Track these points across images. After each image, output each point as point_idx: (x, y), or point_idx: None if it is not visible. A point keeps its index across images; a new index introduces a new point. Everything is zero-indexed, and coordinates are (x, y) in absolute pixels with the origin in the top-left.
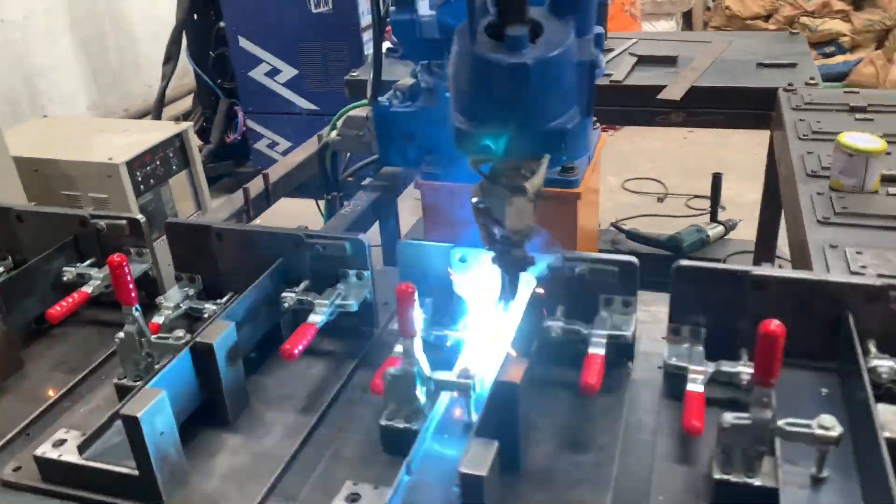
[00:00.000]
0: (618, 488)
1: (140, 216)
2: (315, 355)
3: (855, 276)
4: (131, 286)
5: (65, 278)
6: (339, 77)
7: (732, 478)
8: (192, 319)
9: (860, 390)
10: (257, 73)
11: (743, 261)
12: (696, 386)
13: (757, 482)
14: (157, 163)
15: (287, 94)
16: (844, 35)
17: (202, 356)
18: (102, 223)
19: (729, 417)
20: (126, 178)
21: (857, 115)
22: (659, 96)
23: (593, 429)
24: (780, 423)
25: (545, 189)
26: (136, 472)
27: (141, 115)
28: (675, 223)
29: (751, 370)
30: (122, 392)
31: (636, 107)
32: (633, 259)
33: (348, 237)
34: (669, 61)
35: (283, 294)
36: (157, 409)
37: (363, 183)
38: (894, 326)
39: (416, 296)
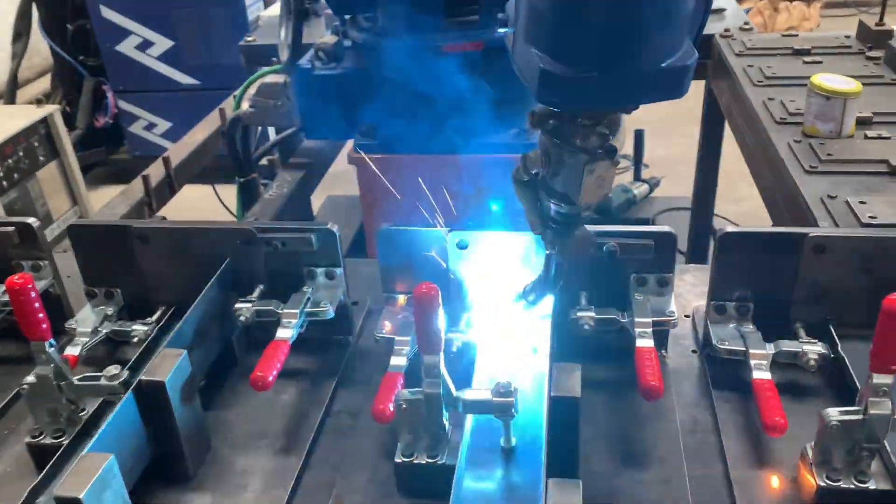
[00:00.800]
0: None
1: (33, 220)
2: (283, 377)
3: None
4: (41, 315)
5: None
6: (222, 46)
7: (842, 484)
8: (114, 346)
9: None
10: (126, 47)
11: (672, 219)
12: (762, 373)
13: (872, 486)
14: (21, 154)
15: (163, 68)
16: None
17: (151, 398)
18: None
19: (834, 413)
20: None
21: (805, 59)
22: None
23: (648, 436)
24: None
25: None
26: None
27: None
28: None
29: (817, 348)
30: (39, 453)
31: None
32: (671, 230)
33: (315, 227)
34: None
35: (237, 305)
36: (105, 481)
37: (270, 160)
38: None
39: (440, 299)
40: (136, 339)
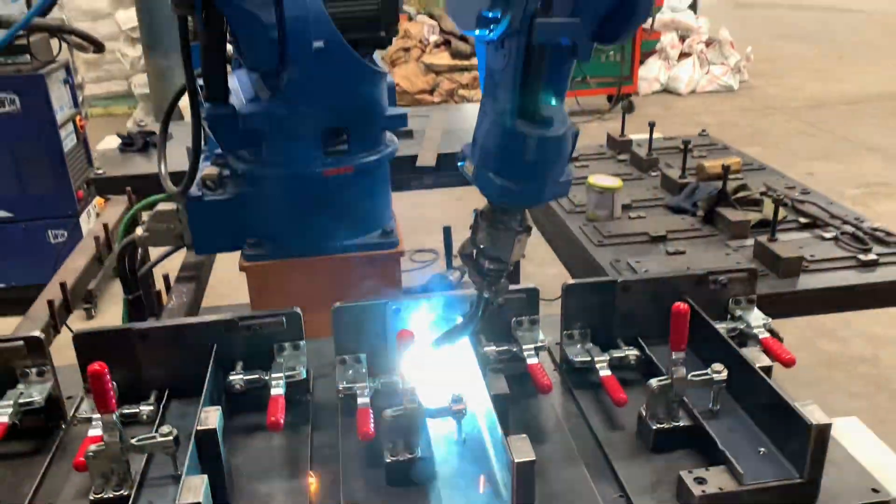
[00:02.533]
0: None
1: (39, 333)
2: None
3: (686, 271)
4: (111, 392)
5: None
6: (35, 177)
7: (665, 425)
8: (127, 425)
9: (721, 342)
10: None
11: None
12: (605, 371)
13: (682, 423)
14: None
15: None
16: None
17: (206, 443)
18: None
19: (654, 382)
20: None
21: (577, 164)
22: (417, 164)
23: (543, 421)
24: (689, 376)
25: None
26: None
27: None
28: (408, 277)
29: (634, 352)
30: None
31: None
32: (536, 287)
33: (284, 312)
34: (409, 135)
35: (230, 378)
36: (207, 494)
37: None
38: (716, 300)
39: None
40: (145, 417)
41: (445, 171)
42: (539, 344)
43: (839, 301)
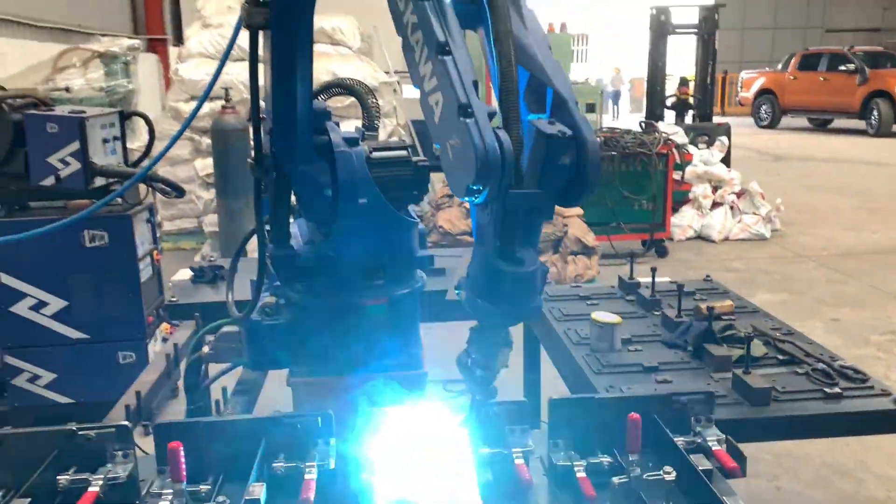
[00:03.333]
0: None
1: (127, 422)
2: None
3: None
4: (183, 466)
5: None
6: (113, 304)
7: None
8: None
9: (675, 450)
10: (21, 308)
11: None
12: (581, 473)
13: None
14: None
15: (55, 325)
16: None
17: None
18: (92, 433)
19: (615, 479)
20: None
21: (588, 302)
22: (447, 298)
23: None
24: (644, 475)
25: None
26: None
27: None
28: None
29: (607, 459)
30: None
31: (424, 307)
32: (525, 400)
33: (320, 414)
34: (440, 272)
35: (274, 464)
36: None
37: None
38: (680, 419)
39: None
40: (203, 494)
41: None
42: (526, 448)
43: (803, 428)
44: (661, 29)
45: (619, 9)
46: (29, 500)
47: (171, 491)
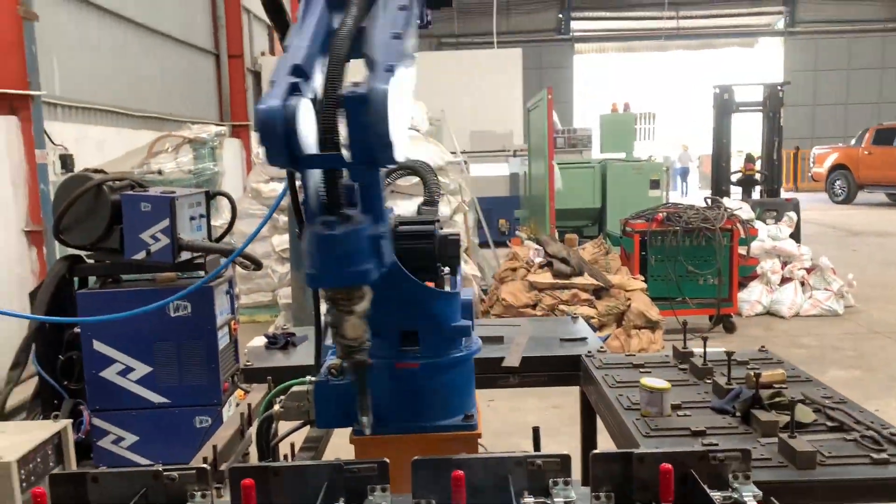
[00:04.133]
0: None
1: (206, 466)
2: None
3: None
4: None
5: None
6: (192, 370)
7: None
8: None
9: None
10: (109, 373)
11: None
12: None
13: None
14: (38, 460)
15: (139, 390)
16: (593, 317)
17: None
18: (175, 474)
19: None
20: (15, 477)
21: (641, 370)
22: (503, 364)
23: None
24: None
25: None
26: None
27: None
28: None
29: None
30: None
31: (480, 374)
32: (568, 454)
33: (376, 462)
34: (499, 340)
35: None
36: None
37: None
38: (716, 471)
39: None
40: None
41: (529, 374)
42: (569, 499)
43: (847, 493)
44: (724, 107)
45: (685, 87)
46: None
47: None
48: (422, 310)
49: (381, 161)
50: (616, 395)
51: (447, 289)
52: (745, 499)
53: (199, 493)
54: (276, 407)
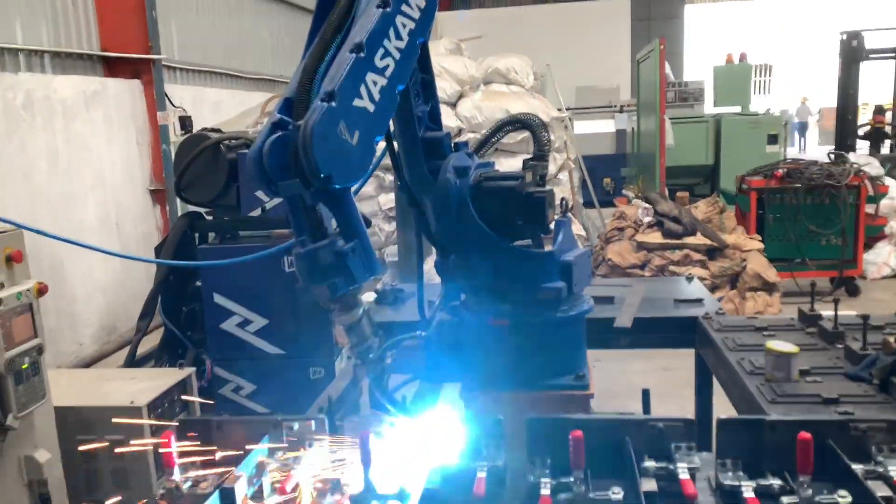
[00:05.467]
0: None
1: (322, 416)
2: None
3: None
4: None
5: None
6: (307, 323)
7: None
8: None
9: (850, 474)
10: (229, 325)
11: None
12: (750, 493)
13: None
14: (167, 405)
15: (256, 341)
16: (705, 279)
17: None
18: (294, 424)
19: (785, 500)
20: (146, 420)
21: (764, 333)
22: (615, 325)
23: None
24: (816, 497)
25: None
26: None
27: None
28: None
29: (777, 481)
30: None
31: (591, 334)
32: (692, 418)
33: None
34: (609, 300)
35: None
36: None
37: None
38: (857, 442)
39: None
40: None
41: (640, 334)
42: (692, 466)
43: None
44: (852, 55)
45: (806, 36)
46: (244, 474)
47: None
48: (509, 269)
49: (320, 186)
50: (737, 358)
51: (546, 248)
52: (892, 472)
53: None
54: (389, 360)
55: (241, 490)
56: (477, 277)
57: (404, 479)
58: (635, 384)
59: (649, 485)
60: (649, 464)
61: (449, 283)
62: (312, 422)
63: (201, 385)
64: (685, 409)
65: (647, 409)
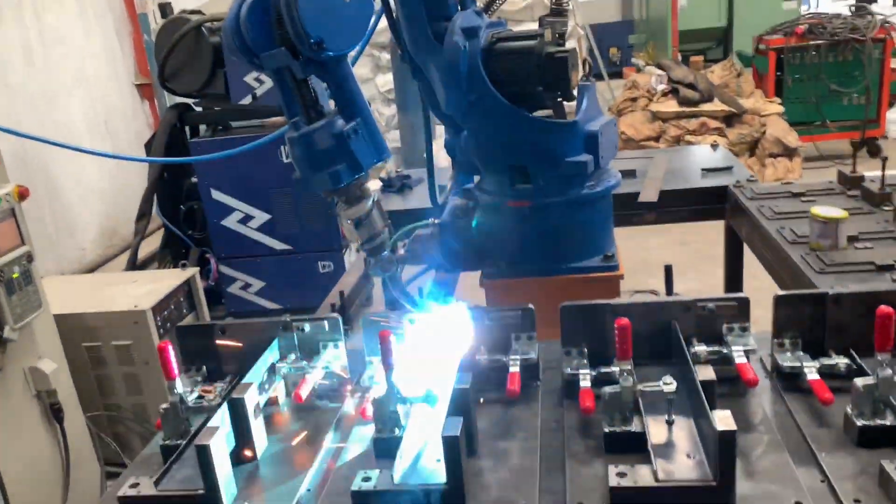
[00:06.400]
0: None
1: (335, 315)
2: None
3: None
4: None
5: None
6: (311, 216)
7: (870, 422)
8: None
9: None
10: (230, 222)
11: None
12: (814, 374)
13: (888, 422)
14: (172, 307)
15: (260, 237)
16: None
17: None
18: (306, 325)
19: (858, 381)
20: (151, 324)
21: (802, 199)
22: (639, 200)
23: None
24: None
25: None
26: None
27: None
28: None
29: (845, 361)
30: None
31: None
32: (746, 296)
33: (521, 308)
34: (631, 174)
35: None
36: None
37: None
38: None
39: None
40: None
41: (667, 208)
42: (748, 348)
43: None
44: None
45: None
46: (254, 383)
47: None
48: (529, 143)
49: (310, 55)
50: (777, 227)
51: (566, 118)
52: None
53: (332, 344)
54: (401, 251)
55: (252, 400)
56: (492, 155)
57: (430, 381)
58: (652, 260)
59: (705, 373)
60: (699, 348)
61: (461, 164)
62: (326, 322)
63: (208, 284)
64: (706, 283)
65: (669, 285)
